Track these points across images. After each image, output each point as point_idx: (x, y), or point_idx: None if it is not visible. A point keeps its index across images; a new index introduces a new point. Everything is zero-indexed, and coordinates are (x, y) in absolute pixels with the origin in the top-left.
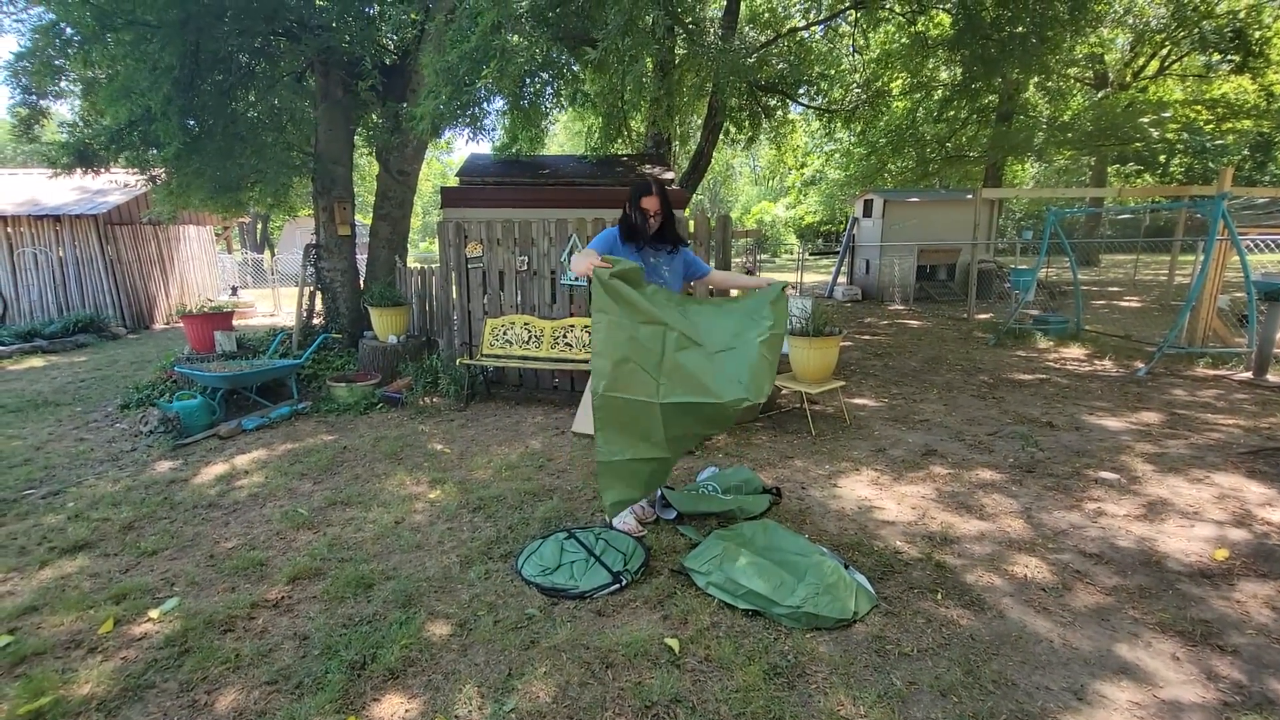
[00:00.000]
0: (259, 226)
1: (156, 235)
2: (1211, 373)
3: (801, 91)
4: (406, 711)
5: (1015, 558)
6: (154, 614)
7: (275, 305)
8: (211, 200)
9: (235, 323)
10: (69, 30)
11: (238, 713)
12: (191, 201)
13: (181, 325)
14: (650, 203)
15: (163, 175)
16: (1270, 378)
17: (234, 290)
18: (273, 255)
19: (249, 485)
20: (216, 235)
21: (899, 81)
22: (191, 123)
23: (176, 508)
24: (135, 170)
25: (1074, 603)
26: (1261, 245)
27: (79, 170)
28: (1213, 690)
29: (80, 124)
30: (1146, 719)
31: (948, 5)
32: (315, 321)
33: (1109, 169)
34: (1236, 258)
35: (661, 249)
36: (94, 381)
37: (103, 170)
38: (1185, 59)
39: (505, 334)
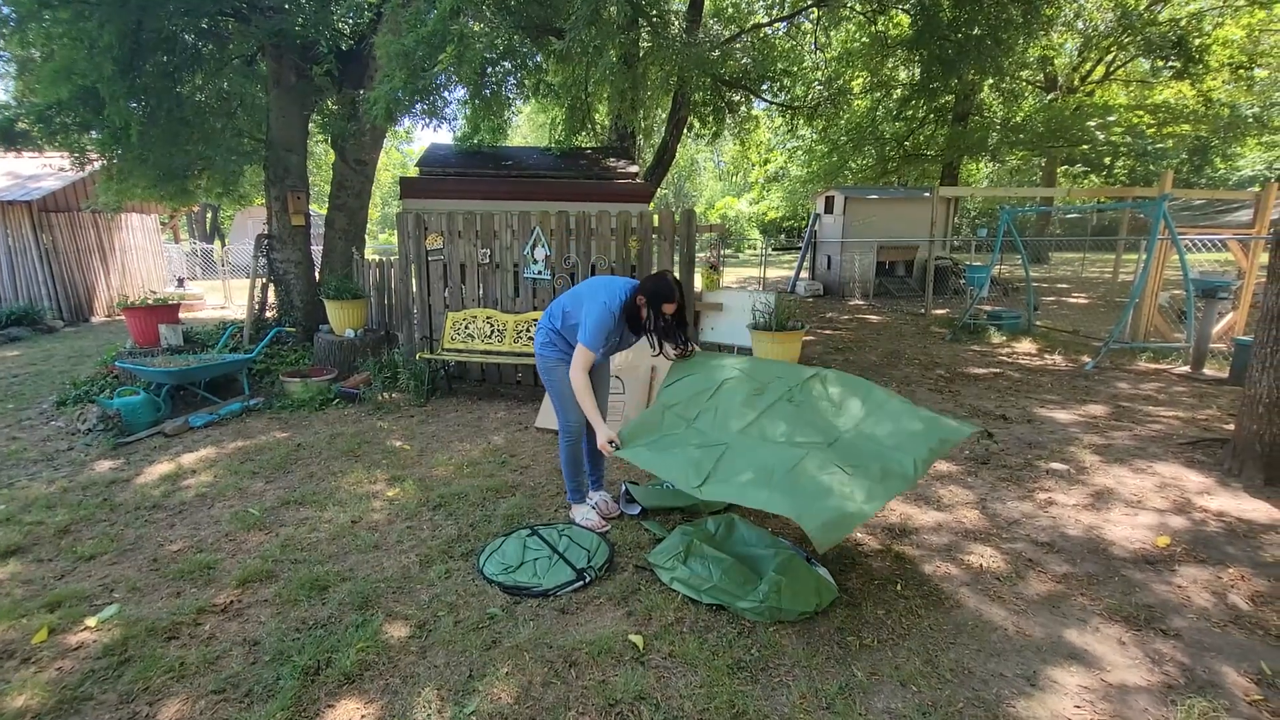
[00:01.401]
0: (208, 216)
1: (96, 224)
2: (1153, 367)
3: (765, 88)
4: (363, 717)
5: (971, 548)
6: (91, 622)
7: (226, 298)
8: (156, 188)
9: (183, 315)
10: (6, 9)
11: None
12: (135, 189)
13: (123, 318)
14: (670, 308)
15: (100, 161)
16: (1207, 371)
17: (181, 282)
18: (223, 246)
19: (196, 485)
20: (162, 224)
21: (859, 80)
22: (133, 106)
23: (117, 510)
24: (69, 155)
25: (1027, 591)
26: (1199, 245)
27: (1, 150)
28: (1157, 673)
29: (12, 104)
30: (1096, 703)
31: (907, 6)
32: (268, 315)
33: (1058, 170)
34: (1176, 257)
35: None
36: (28, 377)
37: (28, 152)
38: (1129, 64)
39: (467, 328)
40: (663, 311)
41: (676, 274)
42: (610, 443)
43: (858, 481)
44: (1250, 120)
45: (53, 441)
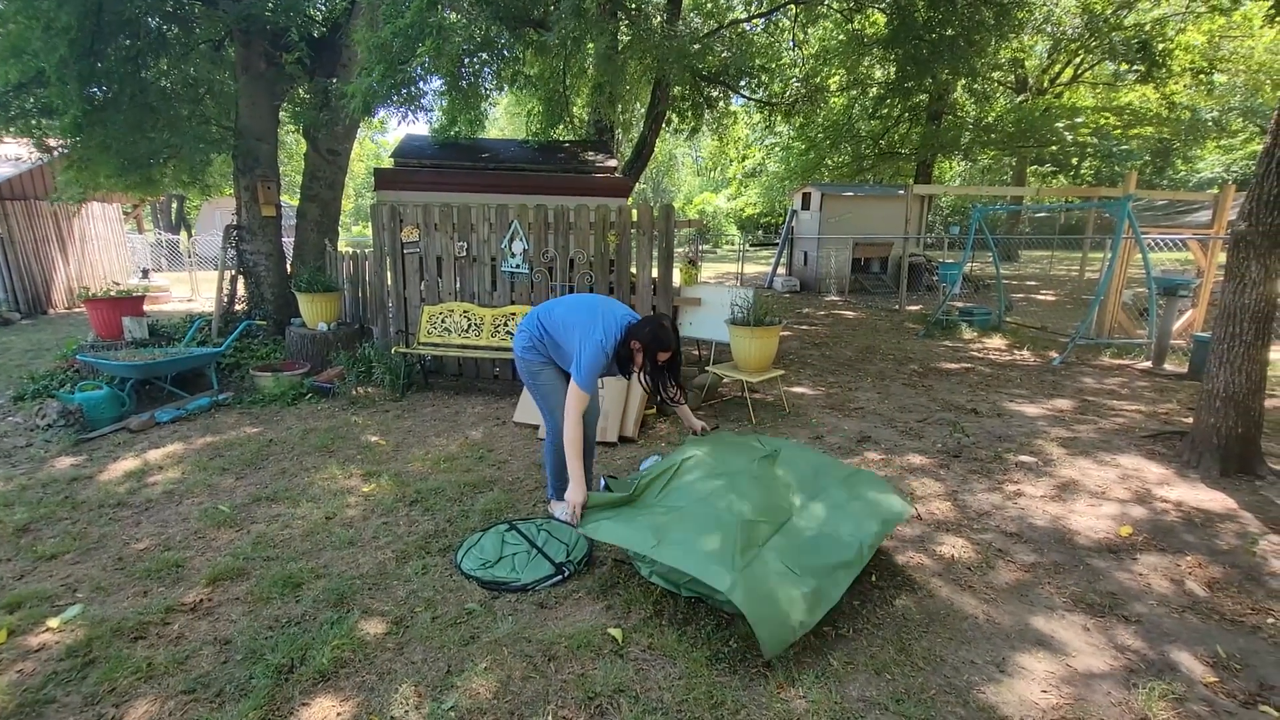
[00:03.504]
0: (174, 206)
1: (55, 213)
2: (1116, 362)
3: (743, 84)
4: (338, 715)
5: (943, 538)
6: (53, 623)
7: (193, 290)
8: (119, 176)
9: (147, 308)
10: None
11: None
12: (97, 178)
13: (84, 310)
14: (665, 356)
15: (61, 147)
16: (1167, 367)
17: (145, 273)
18: (190, 237)
19: (163, 482)
20: (125, 214)
21: (836, 78)
22: (95, 91)
23: (79, 507)
24: (27, 140)
25: (996, 580)
26: (1161, 244)
27: None
28: (1120, 658)
29: None
30: (1061, 688)
31: (883, 5)
32: (237, 308)
33: (1028, 169)
34: (1139, 255)
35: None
36: None
37: None
38: (1096, 67)
39: (443, 322)
40: (659, 362)
41: (655, 270)
42: (579, 507)
43: (805, 582)
44: (1210, 124)
45: (10, 438)
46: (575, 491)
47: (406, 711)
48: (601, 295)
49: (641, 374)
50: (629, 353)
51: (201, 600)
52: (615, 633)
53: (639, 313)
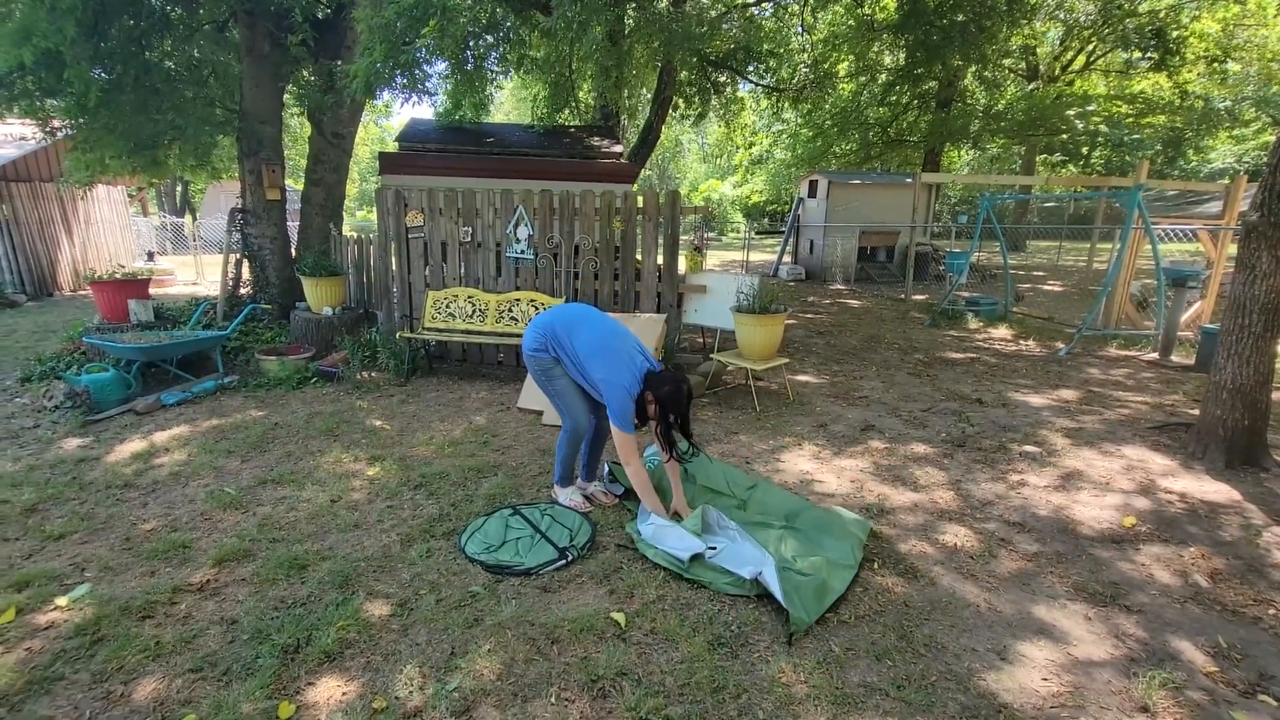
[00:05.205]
0: (178, 189)
1: (60, 195)
2: (1123, 353)
3: (751, 69)
4: (344, 694)
5: (945, 527)
6: (62, 601)
7: (198, 274)
8: (125, 158)
9: (153, 291)
10: None
11: (158, 702)
12: (103, 160)
13: (89, 293)
14: (680, 414)
15: (66, 128)
16: (1174, 358)
17: (150, 256)
18: (195, 220)
19: (170, 464)
20: (130, 196)
21: (845, 64)
22: (100, 72)
23: (87, 488)
24: (33, 122)
25: (998, 569)
26: (1170, 235)
27: None
28: (1121, 647)
29: None
30: (1062, 675)
31: None
32: (242, 291)
33: (1038, 158)
34: (1148, 246)
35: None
36: None
37: None
38: (1109, 55)
39: (448, 307)
40: (669, 417)
41: (660, 256)
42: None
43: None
44: (1223, 113)
45: (18, 419)
46: (667, 512)
47: (411, 692)
48: (617, 323)
49: (656, 431)
50: (644, 405)
51: (208, 581)
52: (618, 616)
53: (645, 302)
